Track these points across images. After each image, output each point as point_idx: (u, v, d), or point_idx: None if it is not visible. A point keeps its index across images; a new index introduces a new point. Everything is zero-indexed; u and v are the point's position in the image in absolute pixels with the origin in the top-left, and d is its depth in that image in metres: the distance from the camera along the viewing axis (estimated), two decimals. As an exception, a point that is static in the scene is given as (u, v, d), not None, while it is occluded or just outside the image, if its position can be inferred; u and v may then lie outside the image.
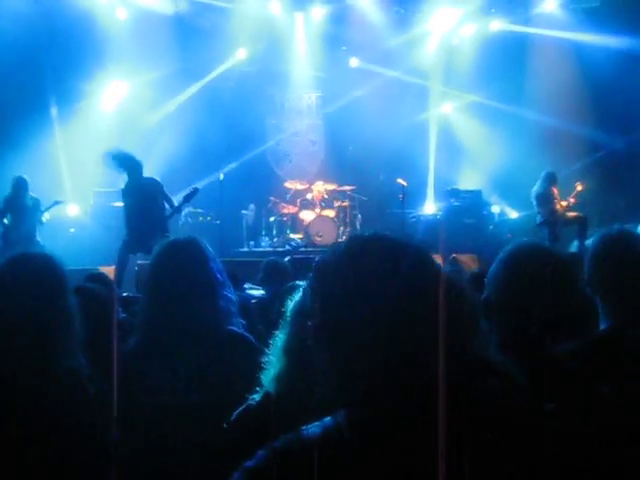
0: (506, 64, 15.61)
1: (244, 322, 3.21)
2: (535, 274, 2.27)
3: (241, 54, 15.81)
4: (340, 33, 16.27)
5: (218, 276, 3.02)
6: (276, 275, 5.86)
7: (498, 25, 16.13)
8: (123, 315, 4.54)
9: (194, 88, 15.41)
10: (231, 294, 3.09)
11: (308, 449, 1.24)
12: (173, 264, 2.97)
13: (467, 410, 1.21)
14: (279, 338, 2.51)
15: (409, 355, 1.25)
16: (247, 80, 15.95)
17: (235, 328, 2.99)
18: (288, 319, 2.49)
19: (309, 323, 1.37)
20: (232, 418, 2.41)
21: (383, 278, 1.28)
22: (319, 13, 15.88)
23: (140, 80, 14.61)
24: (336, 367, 1.30)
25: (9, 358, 2.24)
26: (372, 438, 1.24)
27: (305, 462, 1.22)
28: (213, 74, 15.60)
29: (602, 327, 2.57)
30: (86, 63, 13.73)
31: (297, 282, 3.38)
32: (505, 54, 15.71)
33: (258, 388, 2.42)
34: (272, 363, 2.46)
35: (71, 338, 2.38)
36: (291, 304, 2.51)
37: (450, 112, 16.96)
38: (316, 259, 1.45)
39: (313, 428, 1.30)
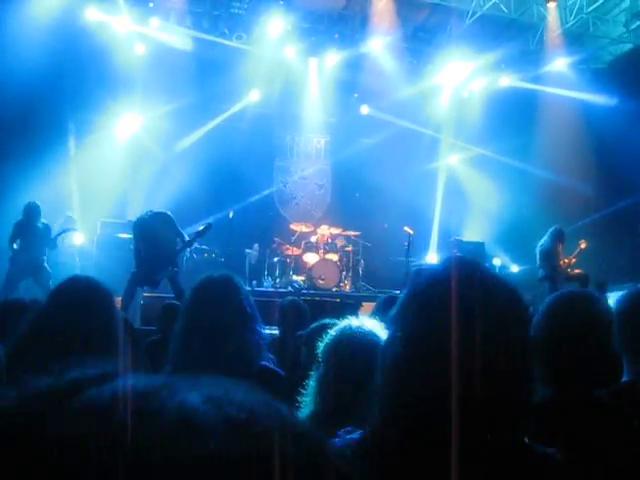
0: (514, 119, 15.85)
1: (273, 357, 3.26)
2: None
3: (254, 95, 16.04)
4: (352, 80, 16.57)
5: (250, 311, 3.08)
6: (293, 315, 5.86)
7: (508, 81, 16.41)
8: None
9: (207, 126, 15.61)
10: (261, 329, 3.16)
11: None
12: (208, 299, 3.03)
13: None
14: (312, 379, 2.55)
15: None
16: (258, 121, 16.16)
17: (267, 363, 3.05)
18: (322, 360, 2.53)
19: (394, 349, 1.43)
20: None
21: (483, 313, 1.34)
22: (333, 59, 16.12)
23: (154, 114, 14.83)
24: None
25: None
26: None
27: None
28: (226, 114, 15.82)
29: (624, 380, 2.65)
30: (102, 96, 13.87)
31: (327, 321, 3.42)
32: (513, 109, 15.96)
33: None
34: (306, 403, 2.50)
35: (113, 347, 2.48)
36: (323, 345, 2.55)
37: (456, 164, 17.16)
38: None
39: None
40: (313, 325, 3.88)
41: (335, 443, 1.46)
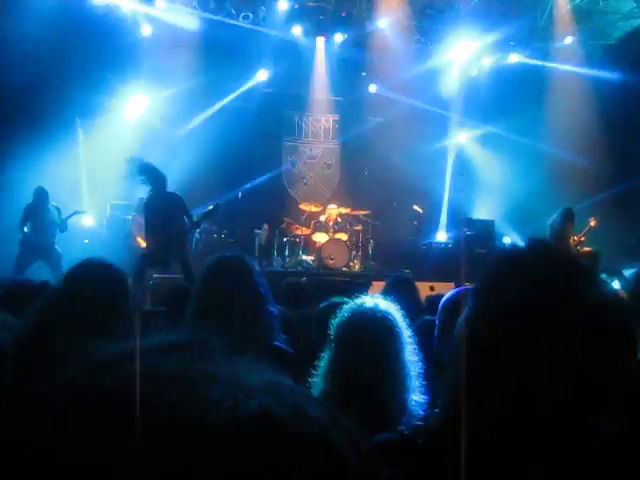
0: (523, 96, 15.71)
1: (286, 337, 3.26)
2: None
3: (262, 75, 15.99)
4: (360, 59, 16.48)
5: (262, 291, 3.08)
6: (296, 295, 5.84)
7: (516, 58, 16.29)
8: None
9: (215, 106, 15.56)
10: (274, 309, 3.15)
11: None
12: (220, 279, 3.04)
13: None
14: (324, 358, 2.54)
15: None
16: (266, 101, 16.11)
17: (279, 343, 3.05)
18: (334, 339, 2.52)
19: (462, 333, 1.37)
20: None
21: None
22: (340, 38, 16.05)
23: (161, 95, 14.74)
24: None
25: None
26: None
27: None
28: (234, 94, 15.77)
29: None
30: (110, 78, 13.85)
31: (337, 300, 3.41)
32: (522, 87, 15.83)
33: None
34: (317, 384, 2.49)
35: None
36: (336, 324, 2.55)
37: (466, 142, 17.08)
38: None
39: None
40: (323, 304, 3.88)
41: (401, 431, 1.46)
